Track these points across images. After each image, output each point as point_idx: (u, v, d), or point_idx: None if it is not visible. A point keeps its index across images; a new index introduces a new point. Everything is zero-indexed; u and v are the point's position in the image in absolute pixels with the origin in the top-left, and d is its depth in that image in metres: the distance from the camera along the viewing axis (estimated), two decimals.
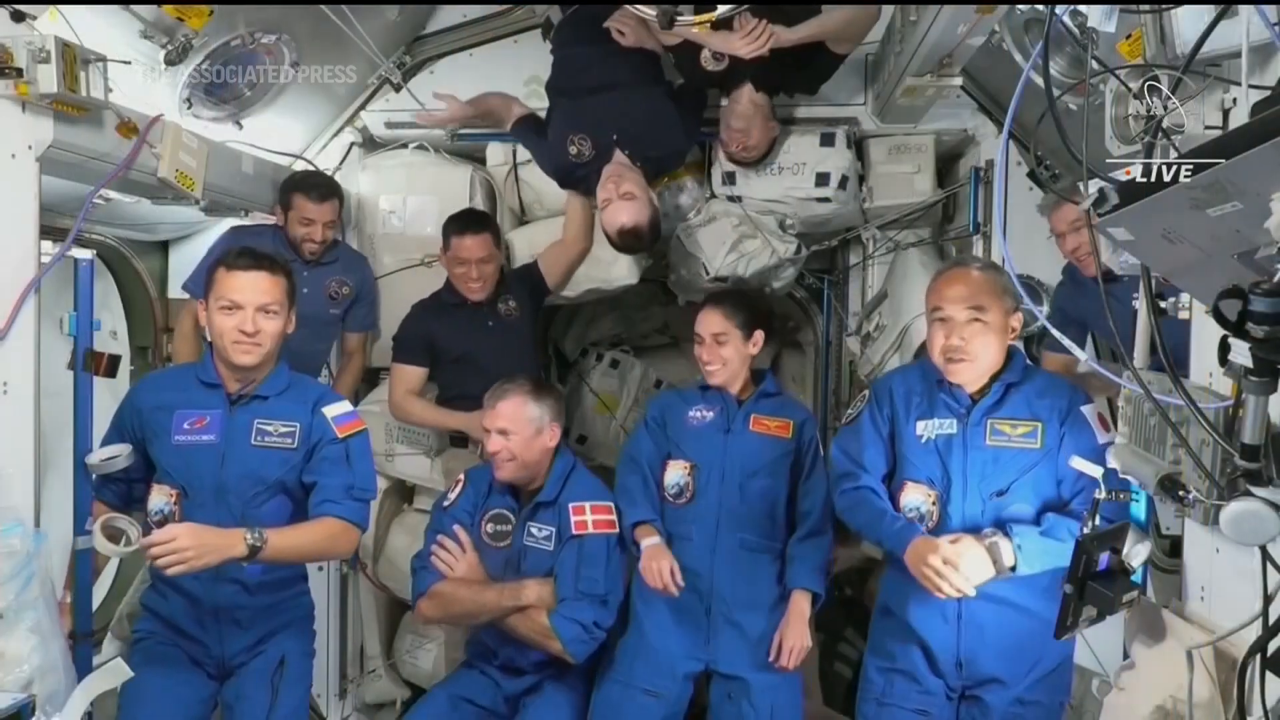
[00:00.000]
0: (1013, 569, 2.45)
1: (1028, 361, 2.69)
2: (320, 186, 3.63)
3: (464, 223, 3.66)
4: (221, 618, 2.65)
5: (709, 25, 3.22)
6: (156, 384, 2.82)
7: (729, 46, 3.30)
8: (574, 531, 3.02)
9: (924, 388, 2.71)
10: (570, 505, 3.05)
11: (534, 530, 3.07)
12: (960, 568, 2.41)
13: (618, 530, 3.07)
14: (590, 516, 3.04)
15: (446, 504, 3.17)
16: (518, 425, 3.03)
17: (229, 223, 3.79)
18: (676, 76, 3.75)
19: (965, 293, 2.55)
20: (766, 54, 3.26)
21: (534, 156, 3.84)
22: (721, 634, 3.10)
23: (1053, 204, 3.40)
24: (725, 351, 3.14)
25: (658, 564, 2.98)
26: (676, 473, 3.19)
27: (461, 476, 3.23)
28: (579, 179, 3.67)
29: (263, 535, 2.36)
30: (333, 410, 2.69)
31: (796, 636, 3.01)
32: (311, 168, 3.94)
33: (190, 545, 2.24)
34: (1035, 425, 2.58)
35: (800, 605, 3.04)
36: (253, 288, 2.55)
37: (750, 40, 3.23)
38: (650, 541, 3.05)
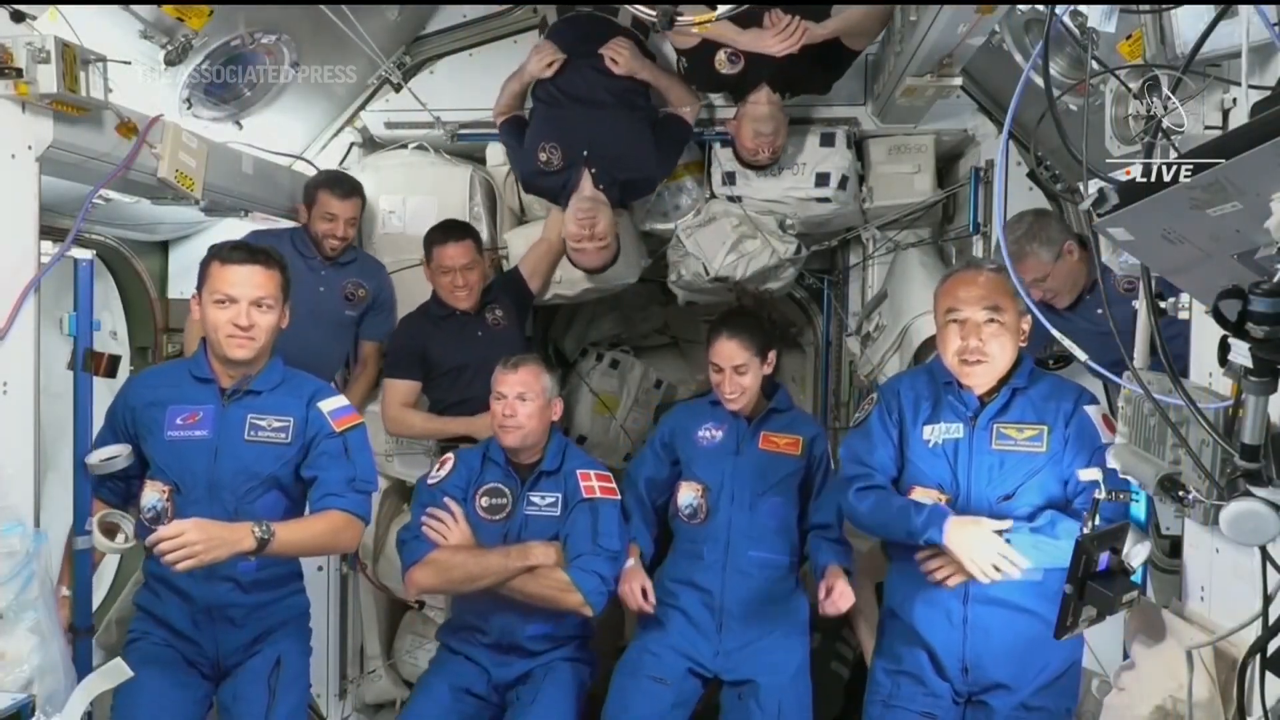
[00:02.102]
0: None
1: (1034, 365, 2.68)
2: (344, 184, 3.70)
3: (445, 231, 3.70)
4: (215, 616, 2.64)
5: (738, 25, 3.28)
6: (149, 380, 2.81)
7: (761, 45, 3.33)
8: (584, 495, 3.07)
9: (931, 392, 2.69)
10: (578, 472, 3.11)
11: (535, 499, 3.09)
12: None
13: (620, 496, 3.15)
14: (596, 483, 3.10)
15: (433, 481, 3.15)
16: (534, 392, 3.07)
17: (229, 223, 3.80)
18: (663, 103, 3.77)
19: (981, 293, 2.53)
20: (796, 50, 3.28)
21: (509, 157, 3.90)
22: (731, 646, 3.13)
23: (1015, 260, 3.39)
24: (745, 380, 3.16)
25: (630, 586, 3.10)
26: (689, 495, 3.22)
27: (450, 456, 3.23)
28: (544, 187, 3.74)
29: (270, 528, 2.36)
30: (328, 405, 2.68)
31: (842, 582, 2.97)
32: (312, 168, 3.94)
33: (199, 539, 2.23)
34: (1041, 429, 2.56)
35: (838, 570, 3.02)
36: (246, 281, 2.54)
37: (785, 37, 3.26)
38: (627, 564, 3.15)
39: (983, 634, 2.58)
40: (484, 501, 3.09)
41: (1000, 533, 2.47)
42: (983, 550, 2.44)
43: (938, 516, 2.51)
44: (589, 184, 3.62)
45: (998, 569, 2.43)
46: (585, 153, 3.59)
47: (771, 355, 3.25)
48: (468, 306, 3.71)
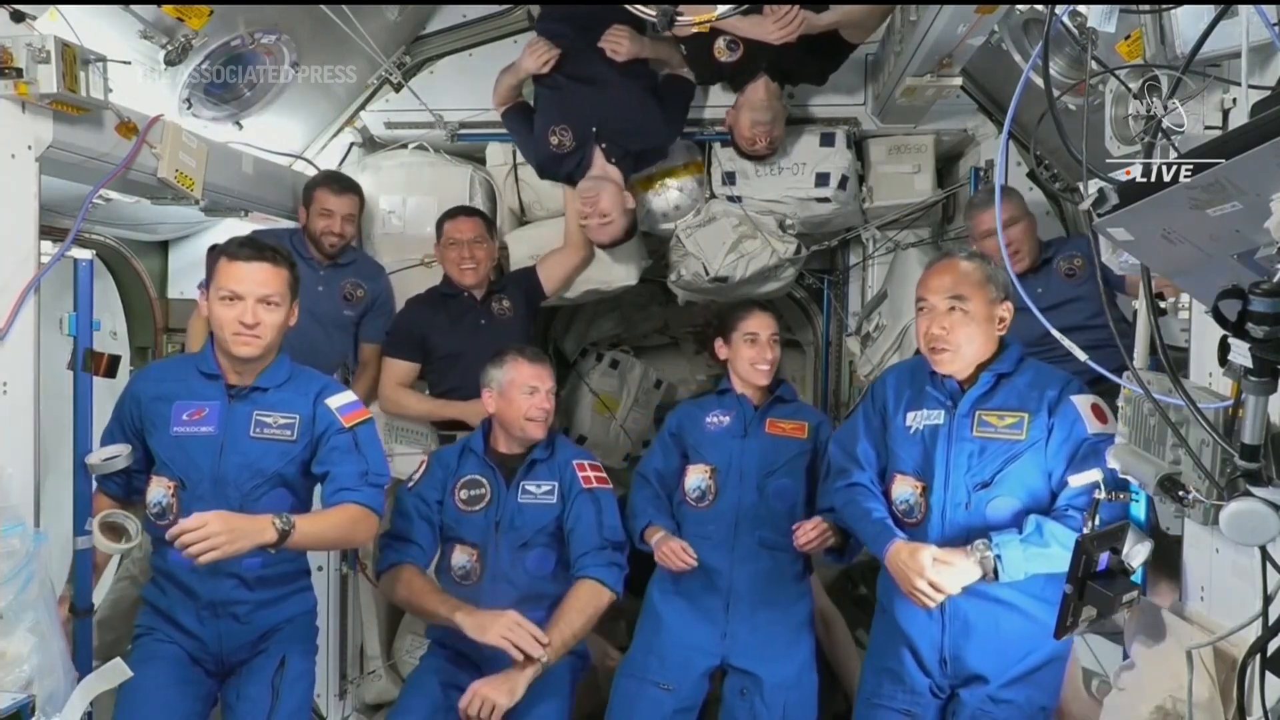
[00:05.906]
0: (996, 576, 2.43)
1: (1023, 354, 2.65)
2: (341, 180, 3.75)
3: (456, 209, 3.78)
4: (220, 613, 2.63)
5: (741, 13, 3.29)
6: (157, 374, 2.80)
7: (761, 32, 3.36)
8: (584, 486, 3.07)
9: (916, 379, 2.71)
10: (573, 462, 3.12)
11: (530, 488, 3.07)
12: (946, 588, 2.43)
13: (611, 485, 3.16)
14: (591, 473, 3.12)
15: (410, 485, 3.14)
16: (552, 387, 3.14)
17: (229, 223, 3.80)
18: (663, 68, 3.78)
19: (947, 282, 2.55)
20: (794, 40, 3.32)
21: (519, 146, 3.91)
22: (738, 629, 3.13)
23: (973, 209, 3.48)
24: (775, 354, 3.26)
25: (669, 546, 3.10)
26: (697, 476, 3.24)
27: (424, 458, 3.23)
28: (559, 171, 3.78)
29: (291, 520, 2.35)
30: (336, 401, 2.67)
31: (816, 519, 3.01)
32: (312, 168, 3.94)
33: (221, 530, 2.22)
34: (1021, 416, 2.54)
35: (819, 518, 3.02)
36: (253, 279, 2.53)
37: (783, 25, 3.30)
38: (658, 536, 3.15)
39: (962, 625, 2.56)
40: (462, 494, 3.09)
41: (989, 542, 2.44)
42: (915, 578, 2.44)
43: (884, 538, 2.55)
44: (600, 160, 3.68)
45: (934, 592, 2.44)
46: (594, 129, 3.65)
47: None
48: (473, 283, 3.73)
